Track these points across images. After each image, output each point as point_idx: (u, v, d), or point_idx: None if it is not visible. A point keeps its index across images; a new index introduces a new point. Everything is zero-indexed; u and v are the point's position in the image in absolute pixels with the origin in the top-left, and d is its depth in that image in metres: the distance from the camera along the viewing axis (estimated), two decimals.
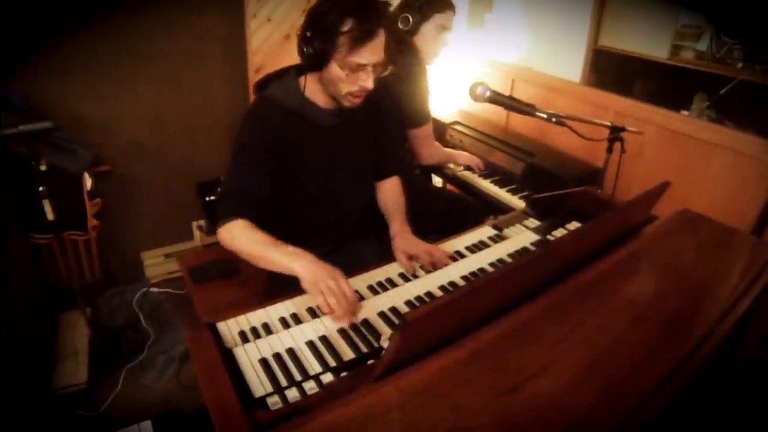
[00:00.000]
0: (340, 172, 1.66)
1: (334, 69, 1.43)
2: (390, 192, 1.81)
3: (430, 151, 2.36)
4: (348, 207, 1.75)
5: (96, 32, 2.45)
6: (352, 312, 1.26)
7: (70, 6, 2.31)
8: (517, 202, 2.29)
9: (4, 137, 2.01)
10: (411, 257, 1.53)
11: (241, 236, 1.43)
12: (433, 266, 1.50)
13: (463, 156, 2.54)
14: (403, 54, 2.14)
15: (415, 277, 1.48)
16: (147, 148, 2.78)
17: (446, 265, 1.50)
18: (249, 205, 1.48)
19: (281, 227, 1.51)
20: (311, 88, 1.54)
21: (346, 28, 1.36)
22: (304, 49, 1.44)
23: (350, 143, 1.67)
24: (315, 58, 1.43)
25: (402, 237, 1.61)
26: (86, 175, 2.44)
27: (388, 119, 1.80)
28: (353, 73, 1.44)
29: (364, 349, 1.18)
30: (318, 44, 1.40)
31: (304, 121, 1.56)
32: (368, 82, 1.45)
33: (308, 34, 1.42)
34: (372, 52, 1.40)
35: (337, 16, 1.36)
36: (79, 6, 2.33)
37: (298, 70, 1.56)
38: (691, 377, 1.00)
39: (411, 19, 2.14)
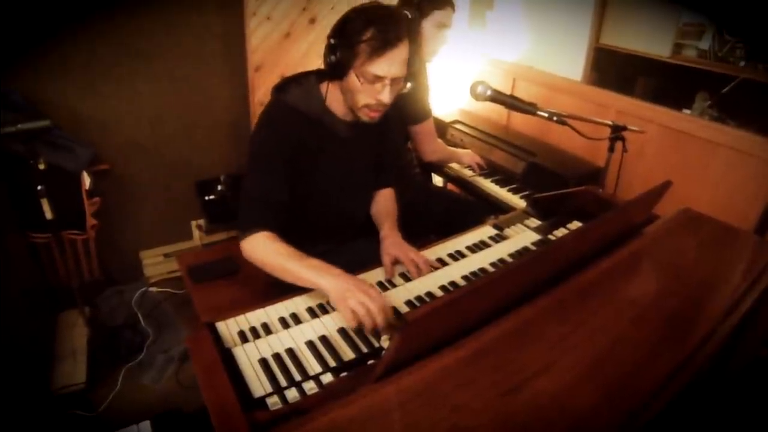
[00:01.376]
0: (351, 182, 1.67)
1: (353, 78, 1.42)
2: (383, 203, 1.81)
3: (432, 146, 2.35)
4: (354, 213, 1.76)
5: (96, 31, 2.45)
6: (384, 323, 1.21)
7: (70, 5, 2.30)
8: (518, 202, 2.28)
9: (2, 136, 2.00)
10: (396, 262, 1.50)
11: (264, 248, 1.41)
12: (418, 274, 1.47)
13: (467, 156, 2.53)
14: None
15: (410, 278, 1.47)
16: (146, 147, 2.77)
17: (427, 272, 1.47)
18: (271, 213, 1.46)
19: (284, 228, 1.50)
20: (333, 97, 1.54)
21: (366, 36, 1.36)
22: (328, 56, 1.44)
23: (363, 155, 1.68)
24: (336, 66, 1.43)
25: (390, 239, 1.58)
26: (85, 174, 2.43)
27: (393, 128, 1.79)
28: (370, 85, 1.42)
29: (364, 349, 1.17)
30: (340, 52, 1.40)
31: (322, 130, 1.55)
32: (384, 95, 1.43)
33: (332, 41, 1.42)
34: (390, 64, 1.38)
35: (360, 24, 1.36)
36: (79, 5, 2.33)
37: (318, 77, 1.56)
38: (694, 376, 0.99)
39: (410, 16, 2.12)
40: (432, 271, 1.47)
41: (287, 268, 1.36)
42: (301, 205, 1.60)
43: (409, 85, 1.51)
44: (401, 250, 1.51)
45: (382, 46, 1.35)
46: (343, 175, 1.64)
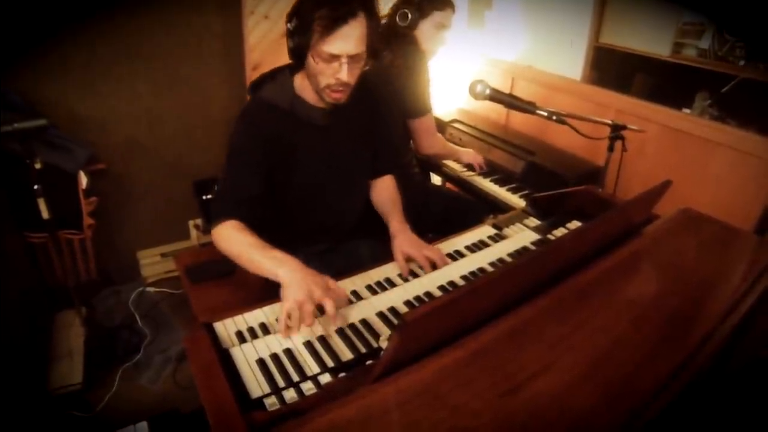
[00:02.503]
0: (334, 172, 1.64)
1: (311, 61, 1.41)
2: (386, 190, 1.78)
3: (430, 141, 2.34)
4: (344, 207, 1.73)
5: (95, 31, 2.44)
6: (306, 323, 1.17)
7: (69, 4, 2.29)
8: (517, 201, 2.27)
9: None
10: (409, 259, 1.49)
11: (230, 237, 1.40)
12: (432, 267, 1.48)
13: (468, 154, 2.52)
14: (403, 45, 2.13)
15: (415, 276, 1.46)
16: (143, 146, 2.77)
17: (444, 265, 1.48)
18: (240, 205, 1.45)
19: (278, 228, 1.49)
20: (302, 85, 1.53)
21: (317, 15, 1.33)
22: (288, 43, 1.43)
23: (345, 142, 1.65)
24: (295, 51, 1.43)
25: (403, 235, 1.56)
26: (82, 174, 2.42)
27: (387, 115, 1.77)
28: (327, 65, 1.39)
29: (362, 349, 1.17)
30: (296, 35, 1.39)
31: (297, 121, 1.54)
32: (342, 73, 1.40)
33: (288, 25, 1.41)
34: (344, 41, 1.36)
35: (311, 4, 1.35)
36: (78, 4, 2.32)
37: (292, 69, 1.55)
38: (694, 377, 0.99)
39: (410, 16, 2.12)
40: (453, 262, 1.49)
41: (249, 258, 1.34)
42: (289, 201, 1.59)
43: (367, 63, 1.48)
44: (415, 248, 1.49)
45: (333, 23, 1.33)
46: (325, 163, 1.61)
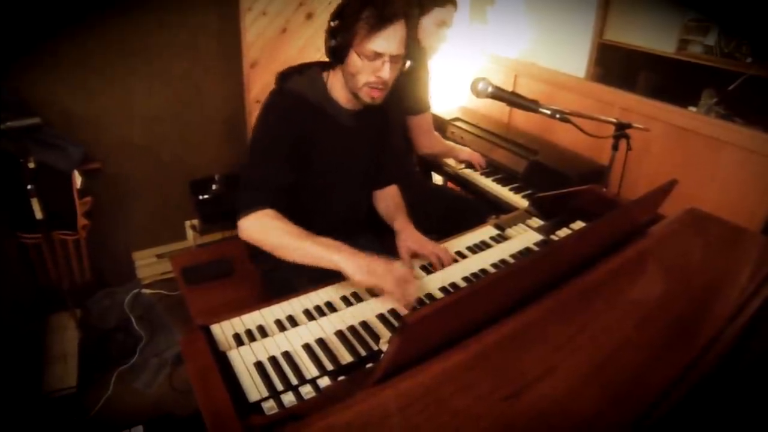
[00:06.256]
0: (347, 175, 1.68)
1: (353, 58, 1.45)
2: (391, 198, 1.83)
3: (428, 141, 2.34)
4: (349, 207, 1.76)
5: (88, 28, 2.42)
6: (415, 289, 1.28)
7: (63, 2, 2.27)
8: (520, 201, 2.26)
9: None
10: (414, 255, 1.53)
11: (270, 226, 1.42)
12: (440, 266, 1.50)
13: (465, 152, 2.51)
14: None
15: (415, 278, 1.44)
16: (138, 145, 2.75)
17: (450, 264, 1.50)
18: (273, 195, 1.47)
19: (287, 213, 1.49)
20: (334, 84, 1.57)
21: (364, 15, 1.40)
22: (329, 40, 1.48)
23: (363, 146, 1.69)
24: (337, 49, 1.47)
25: (407, 232, 1.61)
26: (76, 173, 2.41)
27: (395, 129, 1.79)
28: (370, 62, 1.45)
29: (362, 352, 1.16)
30: (340, 33, 1.45)
31: (324, 118, 1.57)
32: (384, 71, 1.45)
33: (332, 24, 1.47)
34: (388, 40, 1.42)
35: (358, 4, 1.41)
36: (72, 2, 2.30)
37: (322, 67, 1.59)
38: (701, 379, 0.97)
39: None
40: (454, 263, 1.51)
41: (296, 246, 1.37)
42: (303, 192, 1.60)
43: (408, 63, 1.54)
44: (419, 243, 1.55)
45: (380, 22, 1.40)
46: (345, 163, 1.66)
